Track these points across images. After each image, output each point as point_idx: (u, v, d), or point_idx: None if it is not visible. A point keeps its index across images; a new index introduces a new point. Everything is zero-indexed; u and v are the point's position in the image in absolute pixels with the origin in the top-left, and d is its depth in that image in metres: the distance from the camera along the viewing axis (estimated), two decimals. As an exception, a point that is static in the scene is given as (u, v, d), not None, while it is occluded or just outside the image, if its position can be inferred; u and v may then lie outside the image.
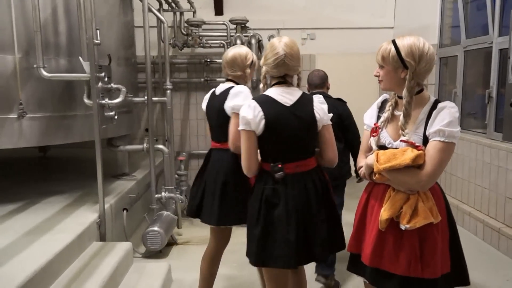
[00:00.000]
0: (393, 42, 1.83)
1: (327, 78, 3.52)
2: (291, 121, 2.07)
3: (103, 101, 3.48)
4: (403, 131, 1.79)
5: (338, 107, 3.29)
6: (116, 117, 3.61)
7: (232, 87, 2.55)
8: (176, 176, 4.89)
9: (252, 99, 2.14)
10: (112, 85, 3.66)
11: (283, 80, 2.15)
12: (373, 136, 1.91)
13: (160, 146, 4.34)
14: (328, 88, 3.56)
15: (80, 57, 3.42)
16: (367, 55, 6.67)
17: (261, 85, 2.25)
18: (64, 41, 3.66)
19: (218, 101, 2.55)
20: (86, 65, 3.33)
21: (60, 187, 4.18)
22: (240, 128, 2.08)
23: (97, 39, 3.38)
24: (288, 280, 2.21)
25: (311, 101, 2.15)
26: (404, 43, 1.80)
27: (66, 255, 2.76)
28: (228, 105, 2.46)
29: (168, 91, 4.43)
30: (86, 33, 3.30)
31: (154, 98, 4.34)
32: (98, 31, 3.39)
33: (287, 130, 2.07)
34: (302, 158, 2.12)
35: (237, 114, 2.24)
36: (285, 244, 2.04)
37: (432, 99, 1.84)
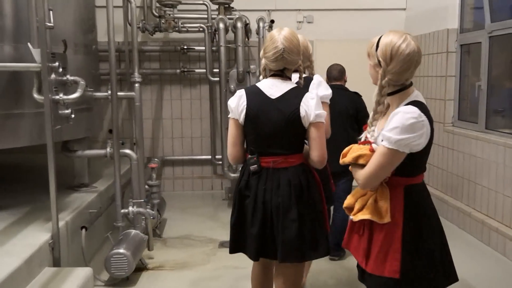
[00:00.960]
0: (380, 37, 2.11)
1: (344, 72, 4.32)
2: (271, 114, 2.46)
3: (57, 97, 3.45)
4: (370, 128, 2.16)
5: (355, 100, 4.13)
6: (73, 115, 3.59)
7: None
8: (147, 187, 4.88)
9: (244, 88, 2.59)
10: (68, 77, 3.64)
11: (280, 73, 2.53)
12: (363, 131, 2.24)
13: (127, 151, 4.34)
14: (345, 81, 4.34)
15: (29, 44, 3.39)
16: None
17: (261, 77, 2.63)
18: (9, 24, 3.63)
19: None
20: (36, 53, 3.30)
21: (4, 201, 4.13)
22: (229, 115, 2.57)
23: (50, 22, 3.35)
24: (262, 269, 2.73)
25: (300, 96, 2.47)
26: (384, 40, 2.08)
27: (12, 283, 2.72)
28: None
29: (137, 85, 4.43)
30: (37, 14, 3.27)
31: (119, 93, 4.33)
32: (51, 12, 3.37)
33: (265, 122, 2.46)
34: (280, 153, 2.48)
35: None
36: (248, 237, 2.52)
37: (410, 99, 2.09)
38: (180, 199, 6.43)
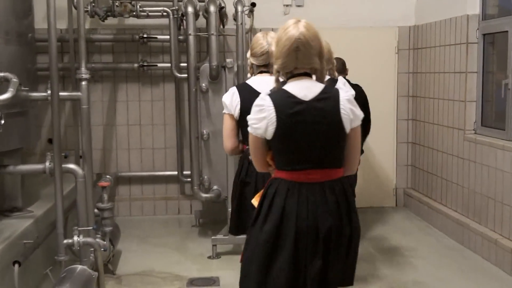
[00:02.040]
0: None
1: (345, 64, 5.47)
2: None
3: (-17, 98, 3.43)
4: None
5: (361, 91, 5.21)
6: (2, 121, 3.57)
7: None
8: (96, 211, 4.83)
9: (235, 86, 3.57)
10: (-3, 73, 3.62)
11: (266, 70, 3.49)
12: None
13: (72, 166, 4.31)
14: (346, 74, 5.40)
15: None
16: (381, 30, 6.79)
17: (248, 75, 3.60)
18: None
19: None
20: (-44, 43, 3.29)
21: None
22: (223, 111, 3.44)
23: (-26, 4, 3.32)
24: None
25: None
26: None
27: None
28: None
29: (84, 83, 4.40)
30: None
31: (62, 93, 4.31)
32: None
33: None
34: None
35: None
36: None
37: (284, 86, 2.75)
38: (139, 226, 6.40)
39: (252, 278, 2.73)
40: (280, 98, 2.67)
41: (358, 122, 2.72)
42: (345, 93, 2.74)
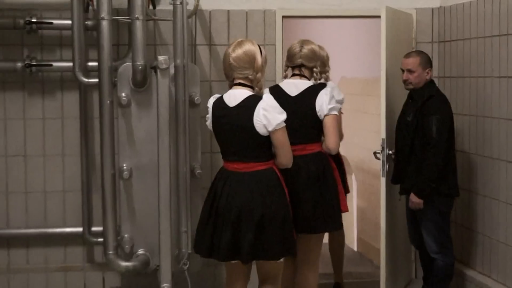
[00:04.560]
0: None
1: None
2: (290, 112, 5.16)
3: None
4: None
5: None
6: None
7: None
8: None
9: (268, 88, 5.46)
10: None
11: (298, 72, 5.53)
12: None
13: None
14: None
15: None
16: (374, 17, 6.90)
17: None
18: None
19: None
20: None
21: None
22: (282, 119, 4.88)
23: None
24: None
25: (316, 93, 5.36)
26: None
27: None
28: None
29: None
30: None
31: None
32: None
33: (289, 117, 4.99)
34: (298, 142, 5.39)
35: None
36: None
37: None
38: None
39: (199, 248, 4.95)
40: (217, 102, 4.82)
41: (273, 126, 4.60)
42: (263, 102, 4.61)
